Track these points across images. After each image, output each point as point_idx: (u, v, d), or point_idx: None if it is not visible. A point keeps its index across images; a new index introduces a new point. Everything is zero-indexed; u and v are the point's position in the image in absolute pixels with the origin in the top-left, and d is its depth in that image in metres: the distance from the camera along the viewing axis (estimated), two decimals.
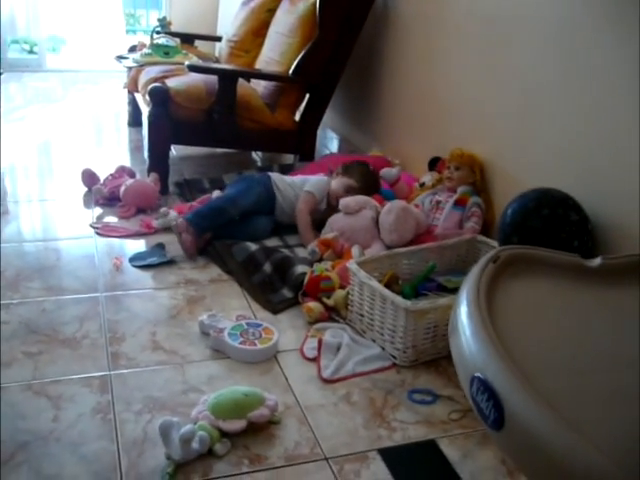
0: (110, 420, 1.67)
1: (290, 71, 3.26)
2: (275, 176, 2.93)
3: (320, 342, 2.02)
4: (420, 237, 2.56)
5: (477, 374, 0.86)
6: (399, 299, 1.96)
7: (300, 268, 2.43)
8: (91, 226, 2.83)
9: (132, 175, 3.23)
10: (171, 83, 3.15)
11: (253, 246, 2.59)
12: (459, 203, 2.61)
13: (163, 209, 2.85)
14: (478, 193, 2.63)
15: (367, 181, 2.83)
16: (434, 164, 2.91)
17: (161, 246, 2.67)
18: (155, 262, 2.55)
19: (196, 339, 2.05)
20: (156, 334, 2.06)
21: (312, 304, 2.20)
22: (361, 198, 2.69)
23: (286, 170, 3.30)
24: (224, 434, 1.60)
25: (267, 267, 2.49)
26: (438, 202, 2.67)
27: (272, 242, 2.75)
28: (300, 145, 3.37)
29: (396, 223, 2.51)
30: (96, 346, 1.97)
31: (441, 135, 2.96)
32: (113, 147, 4.12)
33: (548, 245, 1.96)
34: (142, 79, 3.45)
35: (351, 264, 2.15)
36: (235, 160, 3.63)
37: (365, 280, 2.07)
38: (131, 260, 2.55)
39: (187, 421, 1.62)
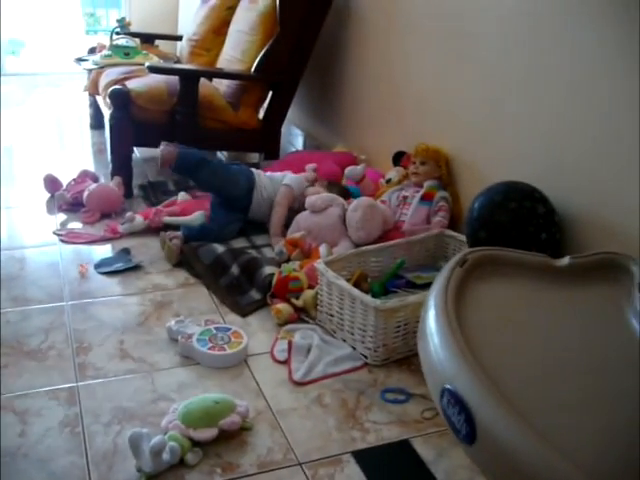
0: (79, 433, 1.63)
1: (252, 69, 3.23)
2: (257, 172, 2.91)
3: (290, 344, 2.00)
4: (388, 233, 2.56)
5: (447, 386, 0.85)
6: (368, 298, 1.95)
7: (268, 269, 2.41)
8: (55, 233, 2.78)
9: (95, 180, 3.19)
10: (132, 85, 3.11)
11: (220, 248, 2.57)
12: (426, 198, 2.61)
13: (129, 214, 2.81)
14: (444, 187, 2.63)
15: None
16: (399, 159, 2.90)
17: (127, 251, 2.64)
18: (121, 268, 2.51)
19: (165, 346, 2.02)
20: (124, 342, 2.02)
21: (281, 305, 2.18)
22: (327, 196, 2.68)
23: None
24: (195, 443, 1.58)
25: (235, 269, 2.47)
26: (405, 197, 2.66)
27: (239, 243, 2.73)
28: (265, 143, 3.35)
29: (363, 220, 2.50)
30: (63, 357, 1.93)
31: (406, 129, 2.96)
32: (76, 151, 4.07)
33: (516, 238, 1.99)
34: (102, 81, 3.40)
35: (319, 264, 2.14)
36: None
37: (333, 280, 2.05)
38: (97, 267, 2.51)
39: (157, 431, 1.59)
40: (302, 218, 2.66)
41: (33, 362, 1.90)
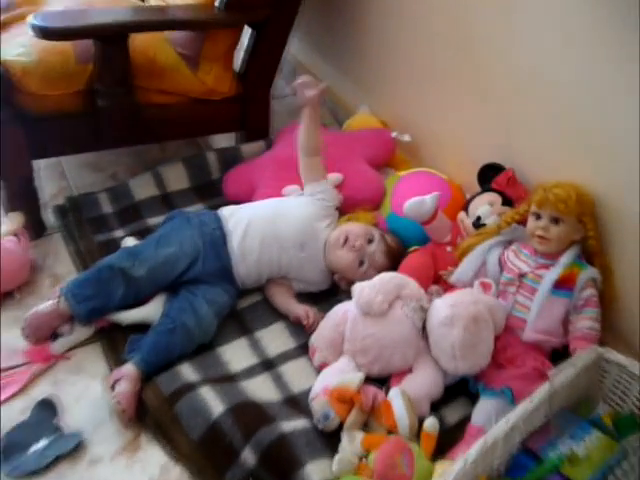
0: None
1: (217, 2, 1.89)
2: (228, 212, 1.74)
3: None
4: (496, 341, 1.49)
5: None
6: None
7: (312, 468, 1.34)
8: None
9: None
10: (8, 54, 1.76)
11: (214, 399, 1.47)
12: (563, 284, 1.49)
13: (65, 327, 1.64)
14: (590, 258, 1.52)
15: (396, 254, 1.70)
16: (488, 176, 1.74)
17: (48, 407, 1.52)
18: (45, 462, 1.41)
19: None
20: None
21: None
22: (389, 282, 1.54)
23: (229, 161, 2.06)
24: None
25: (248, 455, 1.40)
26: (521, 275, 1.53)
27: (235, 353, 1.64)
28: (245, 116, 2.08)
29: (464, 344, 1.43)
30: None
31: (499, 119, 1.77)
32: None
33: None
34: None
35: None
36: (145, 149, 2.27)
37: None
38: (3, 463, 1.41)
39: None
40: (348, 327, 1.54)
41: None
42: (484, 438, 1.27)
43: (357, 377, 1.44)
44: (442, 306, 1.47)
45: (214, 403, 1.45)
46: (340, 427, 1.42)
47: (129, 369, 1.51)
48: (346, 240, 1.69)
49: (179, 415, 1.46)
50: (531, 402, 1.36)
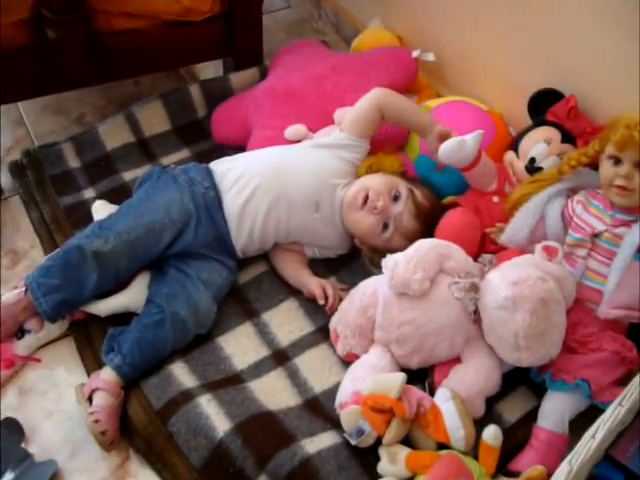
0: None
1: None
2: (222, 168, 1.40)
3: None
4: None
5: None
6: None
7: None
8: None
9: None
10: None
11: (216, 417, 1.18)
12: None
13: (33, 322, 1.33)
14: None
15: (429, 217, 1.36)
16: (544, 106, 1.39)
17: (14, 428, 1.22)
18: None
19: None
20: None
21: None
22: (429, 253, 1.22)
23: (216, 95, 1.72)
24: None
25: None
26: (595, 235, 1.21)
27: (244, 349, 1.33)
28: (231, 39, 1.71)
29: (530, 332, 1.13)
30: None
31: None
32: None
33: None
34: None
35: None
36: (115, 84, 1.87)
37: None
38: None
39: None
40: (376, 305, 1.24)
41: None
42: (568, 461, 0.99)
43: (397, 379, 1.14)
44: (500, 284, 1.15)
45: (218, 418, 1.17)
46: (378, 441, 1.13)
47: (108, 376, 1.22)
48: (366, 199, 1.35)
49: (175, 434, 1.17)
50: (621, 405, 1.07)
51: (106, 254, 1.26)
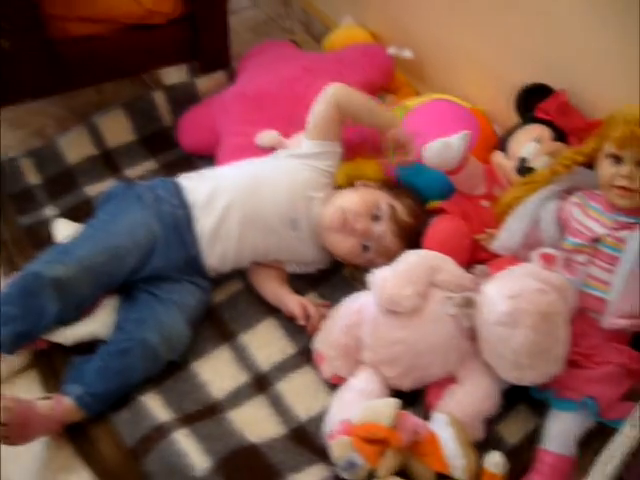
0: None
1: None
2: (190, 183, 1.32)
3: None
4: None
5: None
6: None
7: None
8: None
9: None
10: None
11: (194, 454, 1.09)
12: None
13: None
14: None
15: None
16: (532, 101, 1.31)
17: None
18: None
19: None
20: None
21: None
22: (418, 267, 1.13)
23: (182, 102, 1.62)
24: None
25: None
26: (595, 240, 1.13)
27: (221, 375, 1.23)
28: (196, 42, 1.61)
29: (532, 350, 1.04)
30: None
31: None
32: None
33: None
34: None
35: None
36: (75, 93, 1.75)
37: None
38: None
39: None
40: (362, 324, 1.16)
41: None
42: None
43: (390, 406, 1.05)
44: (497, 297, 1.06)
45: (196, 455, 1.07)
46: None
47: (66, 406, 1.11)
48: (344, 221, 1.26)
49: (150, 475, 1.06)
50: (634, 427, 0.98)
51: (66, 281, 1.16)
